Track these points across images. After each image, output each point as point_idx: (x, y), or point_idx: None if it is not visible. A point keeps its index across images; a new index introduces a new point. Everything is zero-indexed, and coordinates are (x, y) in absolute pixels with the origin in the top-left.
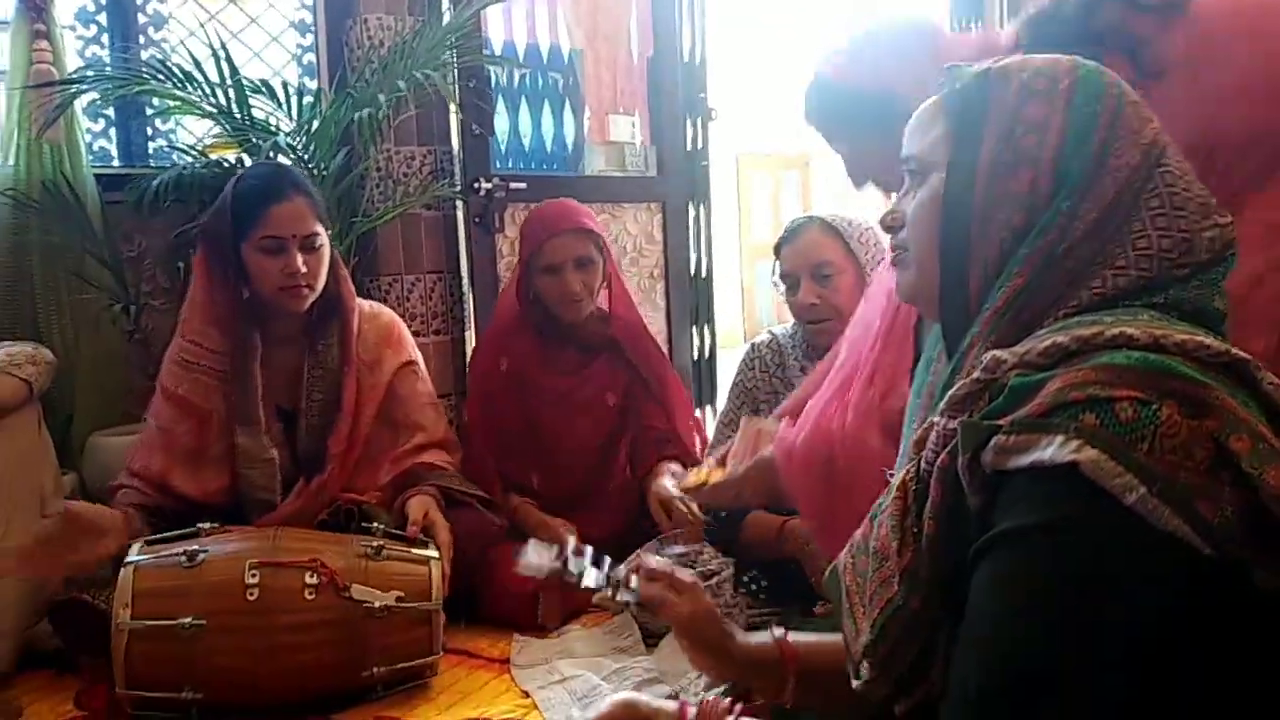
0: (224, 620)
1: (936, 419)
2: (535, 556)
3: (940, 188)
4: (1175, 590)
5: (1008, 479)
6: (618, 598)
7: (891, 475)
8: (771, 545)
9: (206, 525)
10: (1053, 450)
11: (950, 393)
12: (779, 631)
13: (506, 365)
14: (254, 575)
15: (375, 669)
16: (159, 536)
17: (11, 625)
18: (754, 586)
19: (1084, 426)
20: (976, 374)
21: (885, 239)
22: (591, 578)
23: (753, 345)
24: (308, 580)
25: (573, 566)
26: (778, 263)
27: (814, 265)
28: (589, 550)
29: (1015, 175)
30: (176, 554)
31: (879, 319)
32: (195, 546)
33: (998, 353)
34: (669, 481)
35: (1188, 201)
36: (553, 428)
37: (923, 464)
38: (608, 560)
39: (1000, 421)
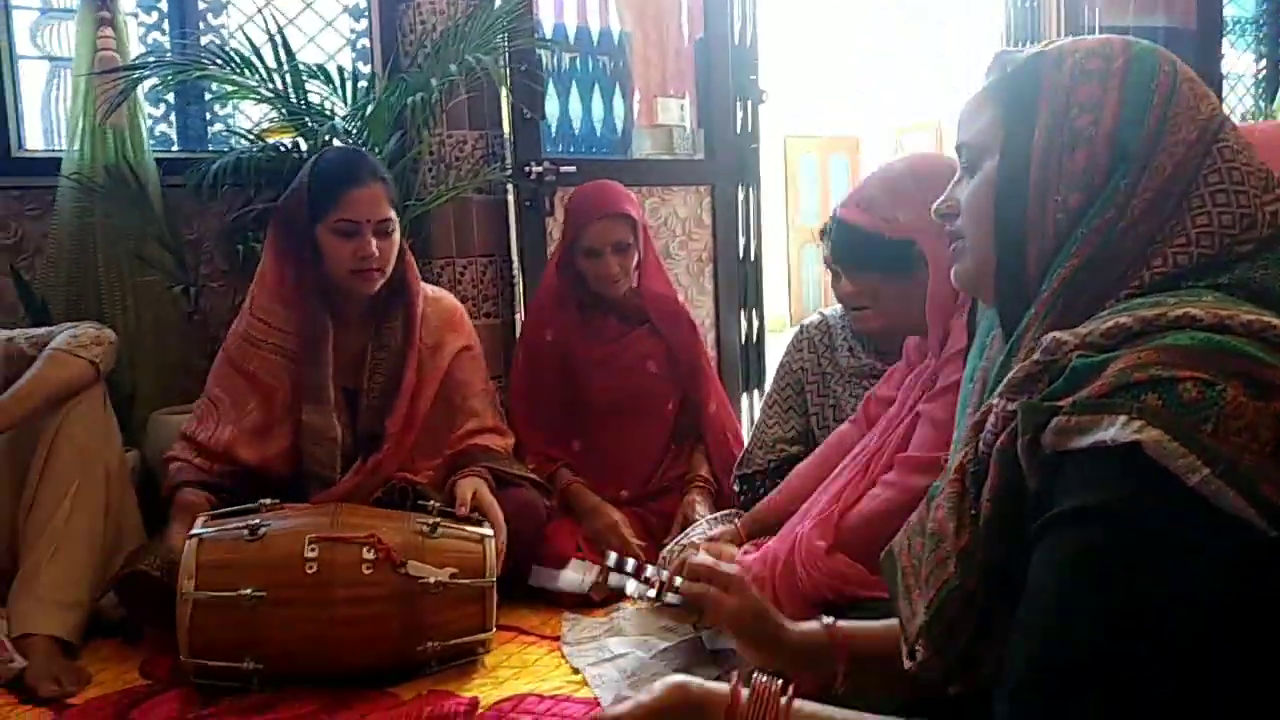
0: (284, 593)
1: (995, 401)
2: (575, 573)
3: (994, 172)
4: (1237, 573)
5: (1068, 460)
6: (665, 599)
7: (945, 461)
8: None
9: (268, 501)
10: (1114, 430)
11: (1010, 375)
12: (828, 619)
13: (551, 336)
14: (313, 549)
15: (430, 644)
16: (222, 511)
17: (80, 597)
18: None
19: (1147, 407)
20: (1037, 355)
21: None
22: (631, 587)
23: (801, 327)
24: (365, 555)
25: (612, 581)
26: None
27: None
28: (630, 561)
29: (1071, 155)
30: (239, 528)
31: (874, 438)
32: (257, 521)
33: (1059, 334)
34: (701, 510)
35: (1248, 176)
36: (595, 394)
37: (981, 446)
38: (650, 568)
39: (1061, 402)
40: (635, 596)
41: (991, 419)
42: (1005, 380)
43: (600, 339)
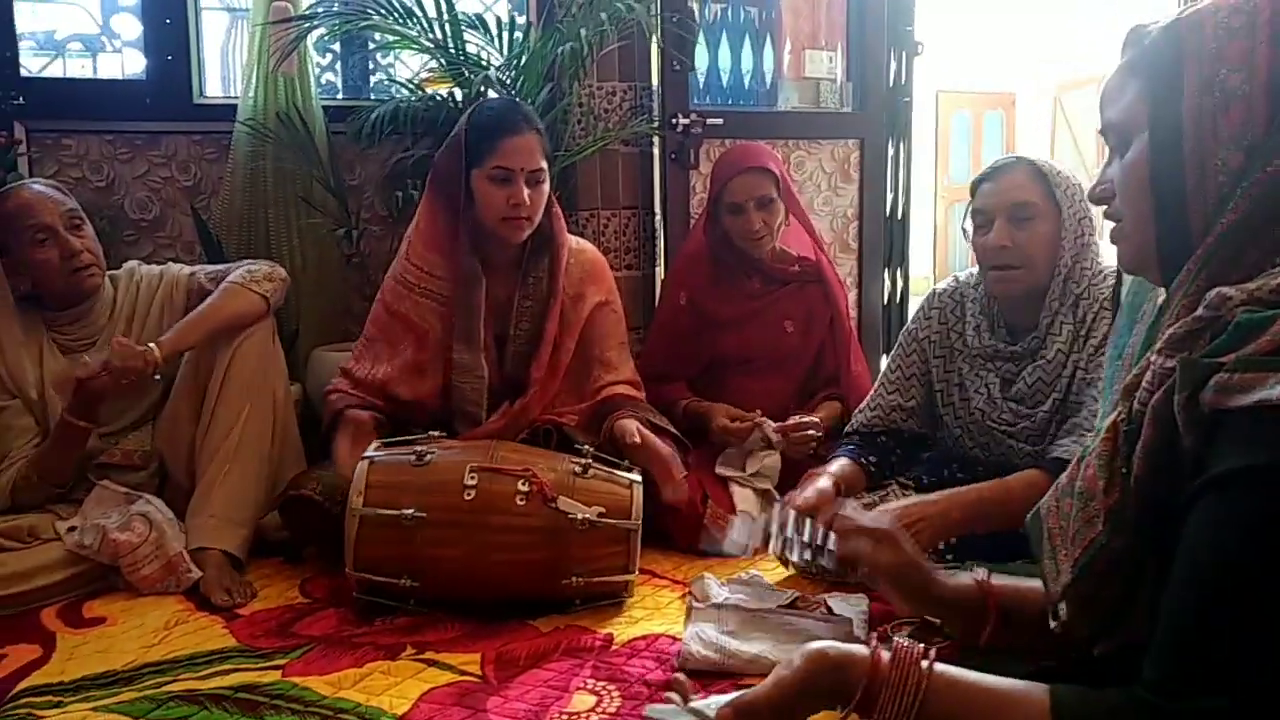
0: (442, 515)
1: (1152, 357)
2: (739, 536)
3: (1145, 147)
4: None
5: (1228, 418)
6: (818, 562)
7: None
8: None
9: (435, 433)
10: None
11: (1169, 331)
12: (980, 573)
13: (685, 298)
14: (473, 478)
15: (575, 579)
16: (394, 439)
17: (248, 516)
18: (940, 545)
19: None
20: (1199, 311)
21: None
22: (795, 552)
23: (933, 292)
24: (520, 488)
25: (773, 548)
26: (971, 200)
27: (1013, 205)
28: (789, 522)
29: (1226, 115)
30: (407, 453)
31: None
32: (424, 449)
33: (1224, 290)
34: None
35: None
36: (730, 351)
37: (1135, 405)
38: (808, 522)
39: (1223, 359)
40: (795, 561)
41: (1148, 376)
42: (1164, 336)
43: (740, 298)
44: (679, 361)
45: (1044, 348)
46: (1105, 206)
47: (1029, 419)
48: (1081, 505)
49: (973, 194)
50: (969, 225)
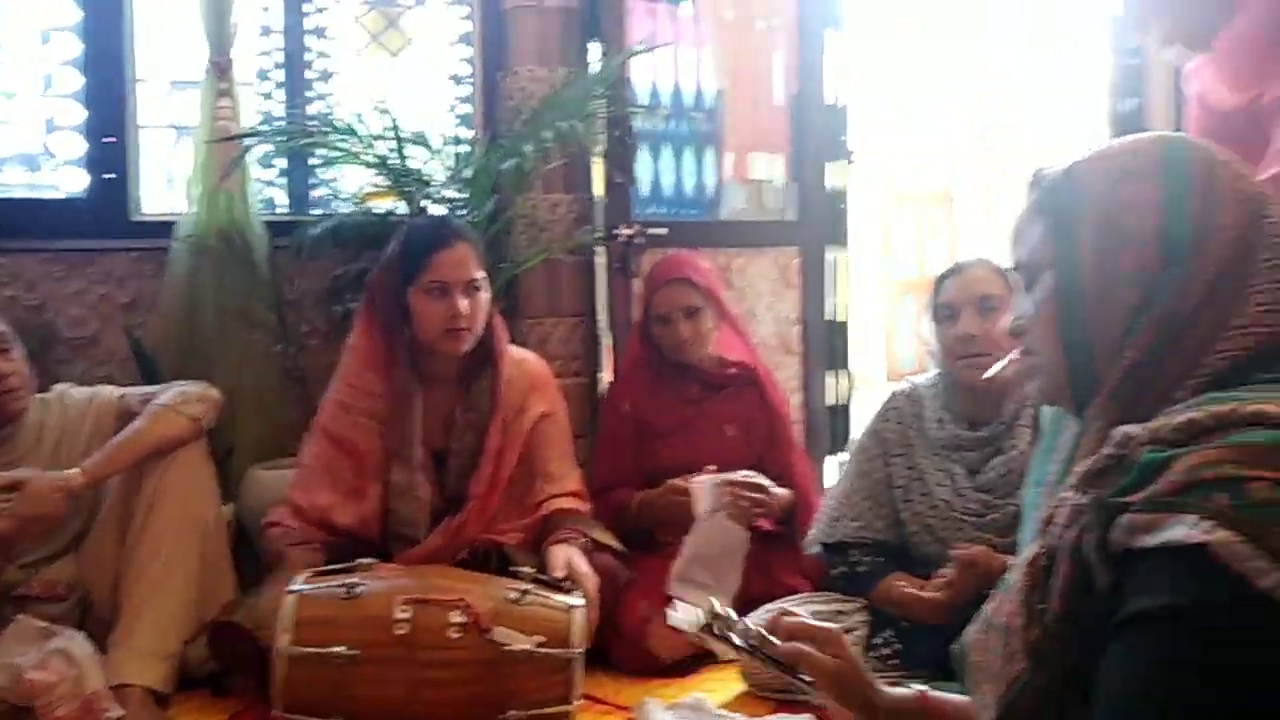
0: (374, 652)
1: (1067, 494)
2: (685, 613)
3: (1052, 285)
4: None
5: (1137, 558)
6: (754, 660)
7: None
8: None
9: (366, 561)
10: (1183, 530)
11: (1080, 468)
12: (920, 686)
13: (628, 407)
14: (404, 611)
15: (512, 713)
16: (323, 568)
17: (174, 648)
18: (886, 651)
19: (1216, 507)
20: (1108, 449)
21: None
22: (736, 639)
23: (892, 394)
24: (453, 619)
25: (716, 630)
26: (933, 297)
27: (980, 297)
28: (732, 613)
29: (1122, 256)
30: (336, 586)
31: None
32: (354, 579)
33: (1129, 428)
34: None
35: None
36: (672, 458)
37: (1050, 540)
38: (750, 623)
39: (1131, 499)
40: (733, 654)
41: (1063, 512)
42: (1075, 473)
43: (679, 404)
44: (626, 471)
45: (1012, 437)
46: (1021, 340)
47: (998, 510)
48: (1003, 640)
49: (937, 290)
50: (926, 326)
